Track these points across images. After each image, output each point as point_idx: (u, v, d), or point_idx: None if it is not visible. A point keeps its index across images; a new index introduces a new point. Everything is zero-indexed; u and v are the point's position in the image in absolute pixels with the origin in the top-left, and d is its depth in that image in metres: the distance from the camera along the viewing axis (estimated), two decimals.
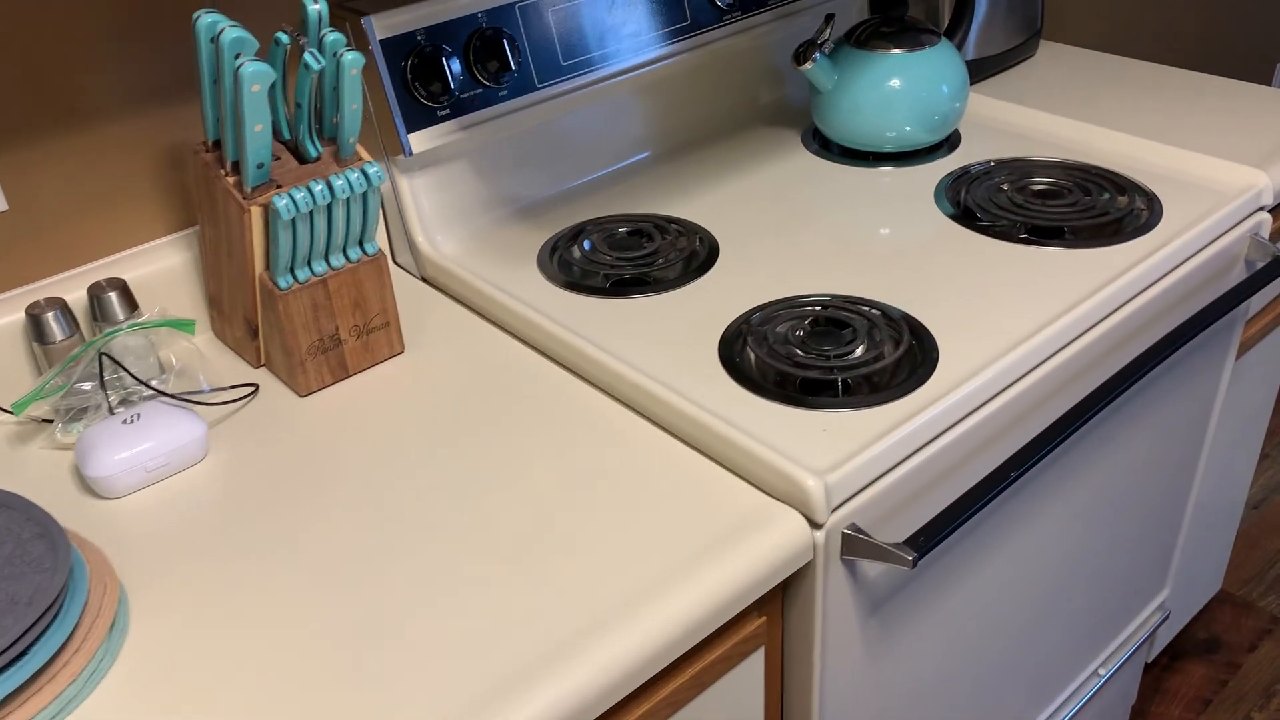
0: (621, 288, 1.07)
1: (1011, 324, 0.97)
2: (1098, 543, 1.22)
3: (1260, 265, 1.19)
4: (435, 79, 1.06)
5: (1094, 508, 1.17)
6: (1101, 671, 1.38)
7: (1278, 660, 1.71)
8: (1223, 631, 1.76)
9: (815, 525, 0.81)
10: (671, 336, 0.99)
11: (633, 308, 1.04)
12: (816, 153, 1.31)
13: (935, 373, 0.91)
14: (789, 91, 1.43)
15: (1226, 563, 1.71)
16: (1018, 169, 1.23)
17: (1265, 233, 1.18)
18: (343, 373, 0.99)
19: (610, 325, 1.01)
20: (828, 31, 1.21)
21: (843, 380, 0.91)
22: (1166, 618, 1.50)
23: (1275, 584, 1.82)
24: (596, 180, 1.26)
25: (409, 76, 1.06)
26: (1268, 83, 2.59)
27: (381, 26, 1.04)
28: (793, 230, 1.14)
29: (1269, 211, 1.18)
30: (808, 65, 1.21)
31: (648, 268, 1.09)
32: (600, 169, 1.27)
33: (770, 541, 0.78)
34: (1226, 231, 1.13)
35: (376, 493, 0.84)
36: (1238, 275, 1.19)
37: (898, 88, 1.22)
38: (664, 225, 1.16)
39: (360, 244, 0.97)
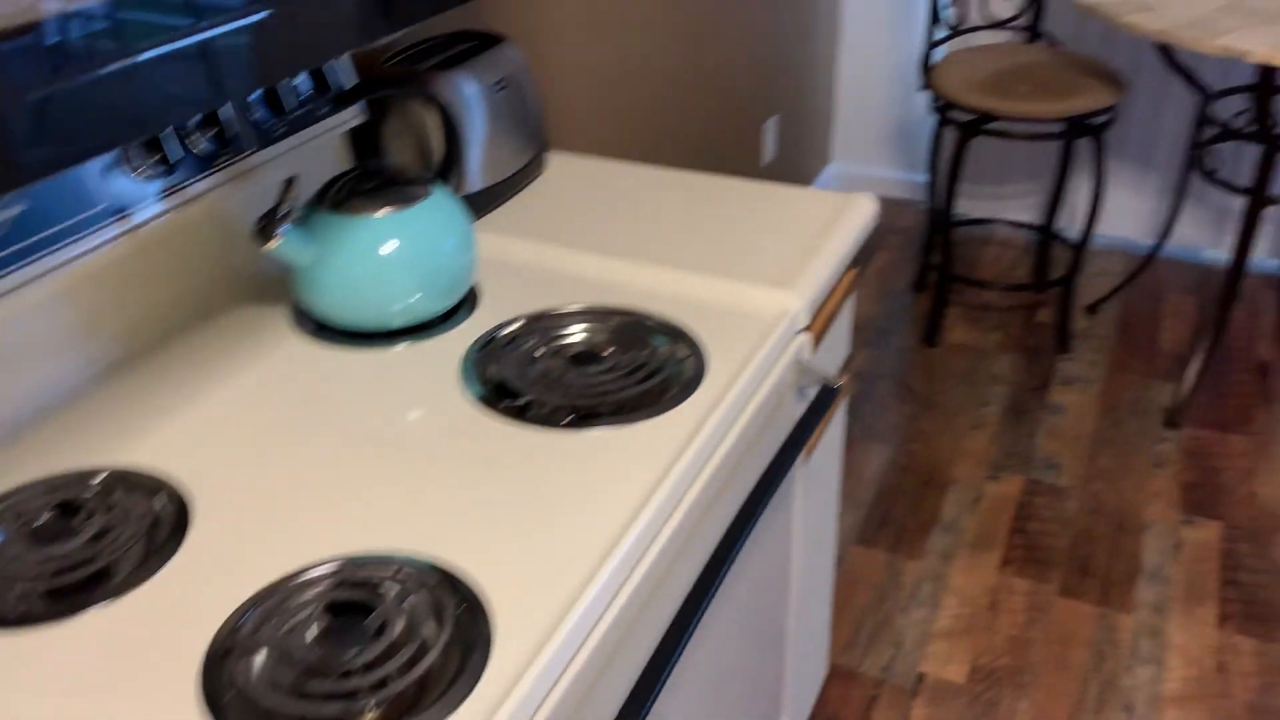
0: (56, 606, 0.75)
1: (577, 549, 0.79)
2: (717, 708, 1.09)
3: (812, 393, 1.13)
4: None
5: (711, 679, 1.04)
6: None
7: None
8: (838, 710, 1.75)
9: None
10: (134, 678, 0.69)
11: (74, 638, 0.73)
12: (314, 335, 1.07)
13: (491, 661, 0.71)
14: (270, 262, 1.17)
15: (828, 646, 1.70)
16: (549, 327, 1.07)
17: (807, 354, 1.12)
18: None
19: (36, 678, 0.69)
20: (289, 198, 0.97)
21: (375, 707, 0.67)
22: None
23: (869, 646, 1.86)
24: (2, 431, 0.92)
25: None
26: (757, 143, 2.73)
27: None
28: (288, 451, 0.89)
29: (805, 330, 1.12)
30: (273, 244, 0.97)
31: (88, 565, 0.79)
32: (10, 412, 0.93)
33: None
34: (773, 365, 1.05)
35: None
36: (793, 406, 1.12)
37: (394, 254, 1.02)
38: (109, 485, 0.86)
39: None
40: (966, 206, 3.18)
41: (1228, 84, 2.69)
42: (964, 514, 2.12)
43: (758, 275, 1.14)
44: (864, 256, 3.03)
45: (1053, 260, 2.96)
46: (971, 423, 2.37)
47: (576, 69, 1.83)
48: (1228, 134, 2.25)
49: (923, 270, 2.87)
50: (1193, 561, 1.99)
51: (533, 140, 1.38)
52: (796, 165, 3.07)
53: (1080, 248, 2.52)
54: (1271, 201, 2.18)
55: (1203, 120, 2.35)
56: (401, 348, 1.05)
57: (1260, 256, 2.91)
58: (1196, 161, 2.34)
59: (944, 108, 2.48)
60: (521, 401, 0.96)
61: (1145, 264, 2.72)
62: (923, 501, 2.16)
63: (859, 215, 1.29)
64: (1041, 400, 2.44)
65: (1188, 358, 2.55)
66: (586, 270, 1.17)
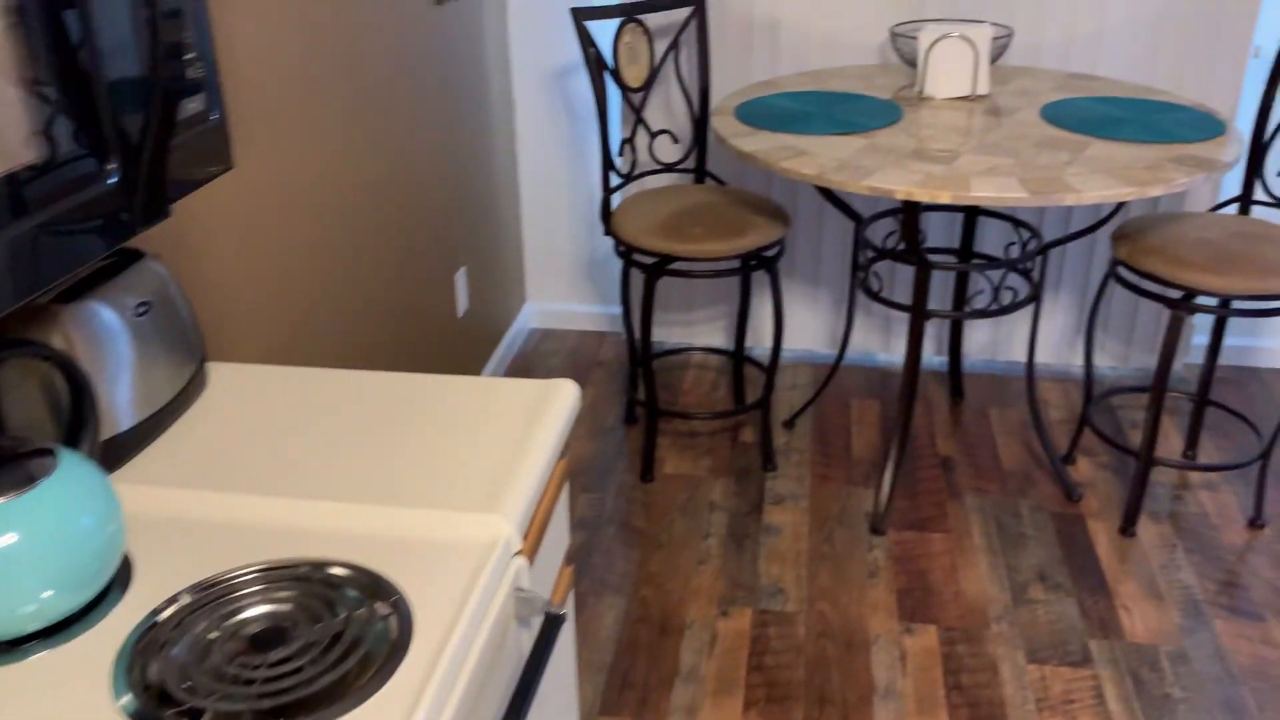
0: None
1: None
2: None
3: (537, 624, 1.04)
4: None
5: None
6: None
7: None
8: None
9: None
10: None
11: None
12: None
13: None
14: None
15: None
16: (221, 600, 0.92)
17: (525, 579, 1.04)
18: None
19: None
20: None
21: None
22: None
23: None
24: None
25: None
26: (451, 295, 2.67)
27: None
28: None
29: (519, 553, 1.04)
30: None
31: None
32: None
33: None
34: (489, 606, 0.96)
35: None
36: (515, 634, 1.03)
37: (13, 549, 0.84)
38: None
39: None
40: (663, 334, 3.26)
41: (878, 209, 2.94)
42: (702, 659, 2.09)
43: (459, 498, 1.05)
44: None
45: (748, 378, 3.08)
46: (697, 557, 2.37)
47: (241, 264, 1.69)
48: (883, 254, 2.43)
49: (630, 404, 2.89)
50: (918, 671, 2.06)
51: (189, 359, 1.23)
52: (494, 309, 3.03)
53: (771, 368, 2.63)
54: (931, 315, 2.36)
55: (860, 244, 2.53)
56: (37, 657, 0.86)
57: (927, 354, 3.17)
58: (860, 282, 2.51)
59: (627, 252, 2.52)
60: (189, 706, 0.80)
61: (830, 376, 2.88)
62: (661, 653, 2.11)
63: (562, 404, 1.24)
64: (758, 522, 2.48)
65: (881, 462, 2.70)
66: (260, 517, 1.03)
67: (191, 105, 0.91)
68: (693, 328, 3.23)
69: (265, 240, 1.76)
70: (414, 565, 0.96)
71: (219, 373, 1.30)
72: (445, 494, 1.05)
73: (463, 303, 2.75)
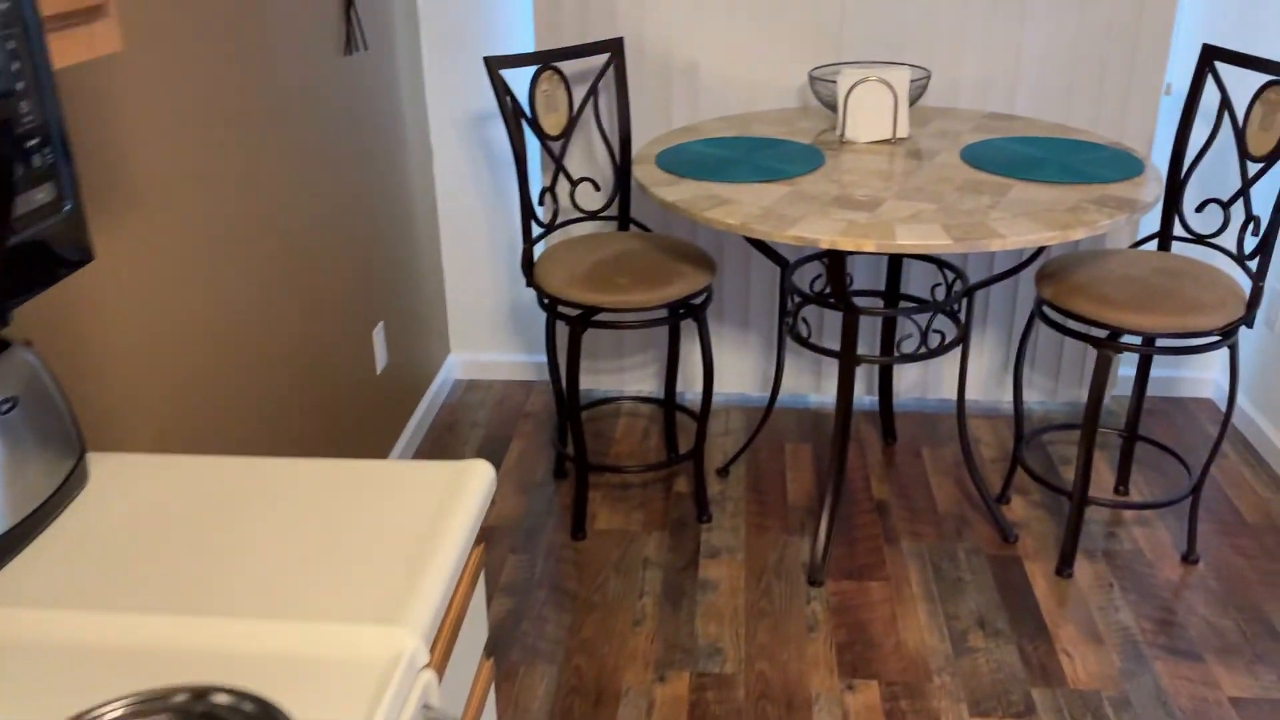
0: None
1: None
2: None
3: None
4: None
5: None
6: None
7: None
8: None
9: None
10: None
11: None
12: None
13: None
14: None
15: None
16: None
17: (435, 696, 0.95)
18: None
19: None
20: None
21: None
22: None
23: None
24: None
25: None
26: (369, 352, 2.57)
27: None
28: None
29: (428, 666, 0.95)
30: None
31: None
32: None
33: None
34: None
35: None
36: None
37: None
38: None
39: None
40: (592, 382, 3.19)
41: (804, 254, 2.91)
42: None
43: (359, 607, 0.96)
44: (498, 455, 2.92)
45: (680, 425, 3.01)
46: (632, 618, 2.29)
47: (135, 340, 1.58)
48: (810, 299, 2.40)
49: (559, 457, 2.81)
50: None
51: (66, 454, 1.13)
52: (416, 363, 2.93)
53: (702, 417, 2.57)
54: (860, 361, 2.33)
55: (786, 290, 2.50)
56: None
57: (858, 394, 3.14)
58: (789, 329, 2.47)
59: (551, 304, 2.45)
60: None
61: (763, 421, 2.83)
62: None
63: (475, 489, 1.16)
64: (694, 578, 2.41)
65: (816, 509, 2.65)
66: (135, 638, 0.93)
67: (38, 196, 0.82)
68: (622, 374, 3.17)
69: (161, 312, 1.65)
70: (308, 688, 0.87)
71: (102, 466, 1.20)
72: (343, 604, 0.96)
73: (381, 359, 2.65)
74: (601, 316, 2.43)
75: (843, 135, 2.45)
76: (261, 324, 1.99)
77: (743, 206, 2.06)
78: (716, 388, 3.18)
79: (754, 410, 3.12)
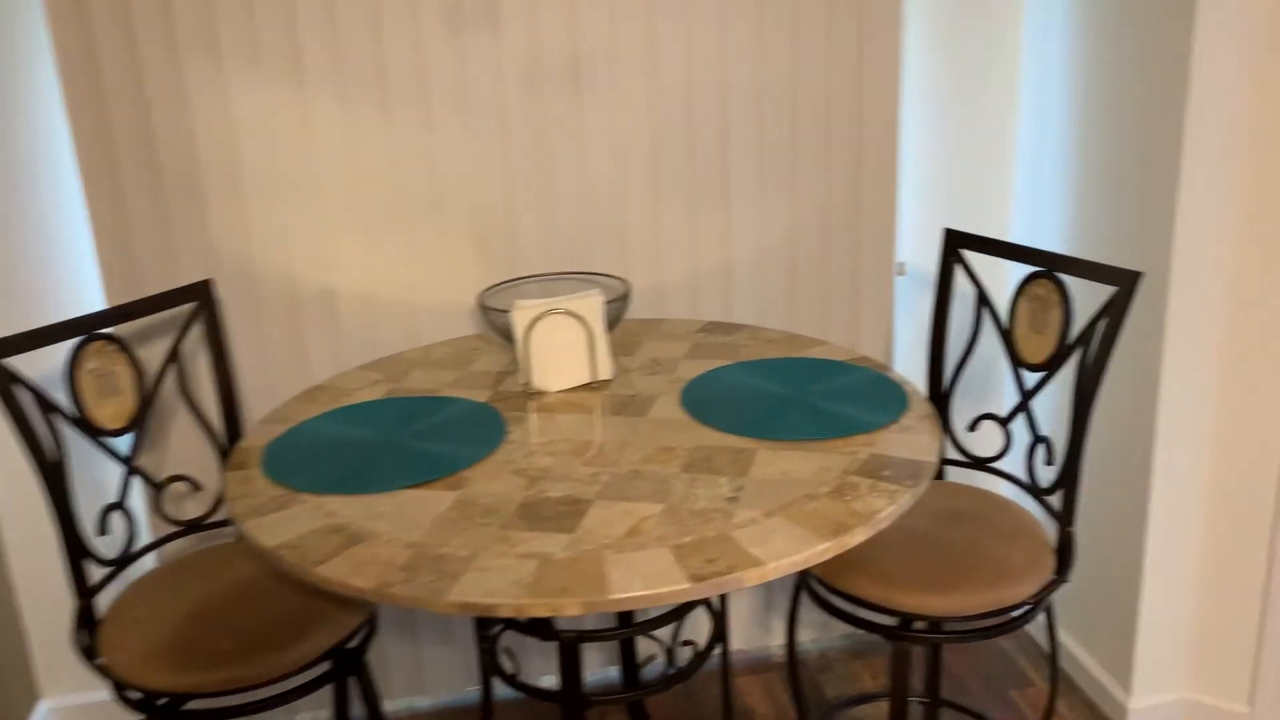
0: None
1: None
2: None
3: None
4: None
5: None
6: None
7: None
8: None
9: None
10: None
11: None
12: None
13: None
14: None
15: None
16: None
17: None
18: None
19: None
20: None
21: None
22: None
23: None
24: None
25: None
26: None
27: None
28: None
29: None
30: None
31: None
32: None
33: None
34: None
35: None
36: None
37: None
38: None
39: None
40: None
41: None
42: None
43: None
44: None
45: None
46: None
47: None
48: (510, 625, 1.74)
49: None
50: None
51: None
52: None
53: None
54: (591, 704, 1.67)
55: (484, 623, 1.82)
56: None
57: (597, 667, 2.49)
58: (490, 668, 1.79)
59: (122, 688, 1.64)
60: None
61: None
62: None
63: None
64: None
65: None
66: None
67: None
68: None
69: None
70: None
71: None
72: None
73: None
74: (198, 704, 1.64)
75: (529, 384, 1.84)
76: None
77: (380, 544, 1.38)
78: (422, 691, 2.43)
79: (472, 711, 2.39)
